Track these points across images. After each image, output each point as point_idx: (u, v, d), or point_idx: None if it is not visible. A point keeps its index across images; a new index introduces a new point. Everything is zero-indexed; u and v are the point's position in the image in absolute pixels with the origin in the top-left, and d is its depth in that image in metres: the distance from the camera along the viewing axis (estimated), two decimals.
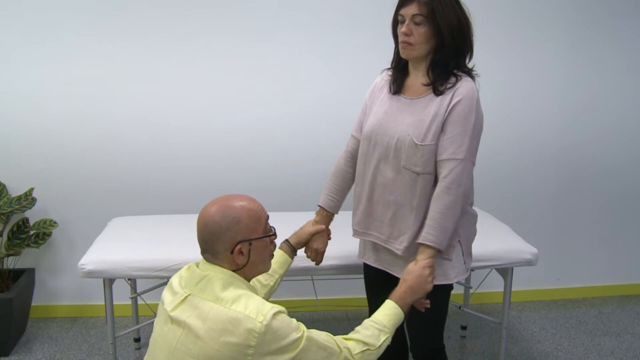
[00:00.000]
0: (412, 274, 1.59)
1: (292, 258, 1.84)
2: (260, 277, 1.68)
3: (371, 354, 1.45)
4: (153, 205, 2.87)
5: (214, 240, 1.38)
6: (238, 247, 1.38)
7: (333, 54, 2.86)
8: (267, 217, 1.46)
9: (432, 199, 1.64)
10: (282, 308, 1.34)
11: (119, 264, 2.08)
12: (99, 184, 2.87)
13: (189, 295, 1.37)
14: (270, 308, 1.31)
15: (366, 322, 1.50)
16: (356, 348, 1.43)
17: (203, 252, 1.43)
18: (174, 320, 1.35)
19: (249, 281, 1.44)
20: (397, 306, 1.53)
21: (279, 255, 1.76)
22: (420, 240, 1.63)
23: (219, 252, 1.39)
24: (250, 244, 1.40)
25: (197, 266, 1.43)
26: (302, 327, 1.36)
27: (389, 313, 1.52)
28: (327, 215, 1.90)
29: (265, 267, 1.49)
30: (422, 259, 1.61)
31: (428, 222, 1.63)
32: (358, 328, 1.49)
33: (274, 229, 1.49)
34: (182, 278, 1.43)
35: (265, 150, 2.92)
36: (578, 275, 3.34)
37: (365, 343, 1.44)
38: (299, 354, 1.31)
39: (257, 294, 1.41)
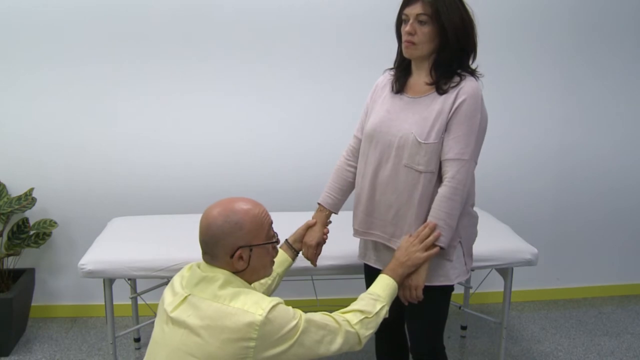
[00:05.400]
0: (401, 249, 1.63)
1: (292, 258, 1.84)
2: None
3: (370, 321, 1.49)
4: (153, 205, 2.86)
5: (215, 244, 1.38)
6: (238, 252, 1.37)
7: (334, 54, 2.87)
8: (271, 223, 1.45)
9: (438, 198, 1.63)
10: (280, 300, 1.36)
11: (119, 264, 2.08)
12: (99, 184, 2.86)
13: (189, 295, 1.36)
14: (269, 301, 1.32)
15: (361, 295, 1.56)
16: (354, 318, 1.47)
17: (203, 254, 1.42)
18: (174, 321, 1.35)
19: (249, 284, 1.44)
20: (388, 277, 1.59)
21: (278, 254, 1.76)
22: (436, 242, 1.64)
23: (218, 256, 1.39)
24: (251, 250, 1.39)
25: (199, 267, 1.42)
26: (299, 312, 1.39)
27: (382, 284, 1.58)
28: (323, 212, 1.87)
29: (266, 273, 1.48)
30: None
31: (438, 222, 1.62)
32: (354, 303, 1.53)
33: (277, 235, 1.48)
34: (184, 278, 1.43)
35: (266, 150, 2.92)
36: (578, 275, 3.34)
37: (362, 312, 1.49)
38: (299, 338, 1.34)
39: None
